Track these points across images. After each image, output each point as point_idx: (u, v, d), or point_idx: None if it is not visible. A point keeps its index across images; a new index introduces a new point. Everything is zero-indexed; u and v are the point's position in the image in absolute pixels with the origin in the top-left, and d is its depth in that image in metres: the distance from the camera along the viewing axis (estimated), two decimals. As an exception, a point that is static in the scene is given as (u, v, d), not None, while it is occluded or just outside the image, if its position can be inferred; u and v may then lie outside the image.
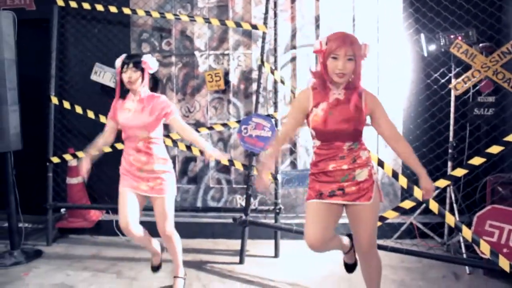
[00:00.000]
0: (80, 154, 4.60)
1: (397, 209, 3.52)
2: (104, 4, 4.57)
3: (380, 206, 2.66)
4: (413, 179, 3.70)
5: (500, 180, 3.57)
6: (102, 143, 3.26)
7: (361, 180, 2.55)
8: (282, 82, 4.14)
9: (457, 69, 4.03)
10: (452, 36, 4.00)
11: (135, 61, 3.03)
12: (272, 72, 4.17)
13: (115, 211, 4.76)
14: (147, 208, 3.33)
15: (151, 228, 3.27)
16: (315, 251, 2.63)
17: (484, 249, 3.13)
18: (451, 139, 4.15)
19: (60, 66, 4.90)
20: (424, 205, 3.90)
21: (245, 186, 4.76)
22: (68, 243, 4.63)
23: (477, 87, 4.06)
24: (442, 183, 3.40)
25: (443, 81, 4.05)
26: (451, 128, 4.15)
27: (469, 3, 3.90)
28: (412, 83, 4.50)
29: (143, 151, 3.09)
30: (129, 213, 3.10)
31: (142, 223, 3.23)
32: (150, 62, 3.09)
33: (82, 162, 3.15)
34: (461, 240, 3.90)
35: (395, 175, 3.55)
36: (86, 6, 4.59)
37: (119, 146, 4.29)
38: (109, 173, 4.44)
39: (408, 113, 4.51)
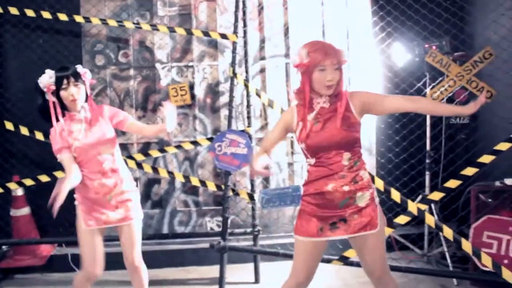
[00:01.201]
0: (27, 181, 4.05)
1: (392, 225, 3.37)
2: (52, 12, 4.07)
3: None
4: (404, 193, 3.62)
5: (487, 189, 3.55)
6: (77, 177, 2.66)
7: (362, 206, 2.33)
8: (258, 94, 3.88)
9: (436, 80, 4.00)
10: (426, 46, 4.00)
11: (75, 74, 2.65)
12: (246, 84, 3.91)
13: (70, 243, 4.28)
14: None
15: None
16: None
17: (486, 261, 3.04)
18: (428, 148, 4.10)
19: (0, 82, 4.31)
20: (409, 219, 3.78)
21: (215, 207, 4.49)
22: (15, 286, 4.06)
23: (450, 96, 4.06)
24: (436, 195, 3.29)
25: (412, 91, 3.97)
26: (428, 137, 4.10)
27: (441, 16, 3.88)
28: (384, 93, 4.41)
29: (110, 172, 2.71)
30: (98, 260, 2.76)
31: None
32: (88, 73, 2.75)
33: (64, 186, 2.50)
34: (446, 251, 3.85)
35: (386, 189, 3.40)
36: (30, 13, 4.05)
37: (59, 174, 3.86)
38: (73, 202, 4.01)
39: (379, 123, 4.41)
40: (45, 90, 2.67)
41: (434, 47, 3.92)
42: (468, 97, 3.99)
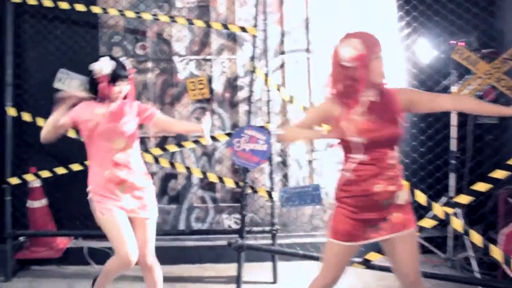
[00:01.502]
0: (43, 173, 4.02)
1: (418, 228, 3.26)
2: (69, 2, 4.00)
3: None
4: (430, 195, 3.50)
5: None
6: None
7: (402, 204, 2.25)
8: (278, 90, 3.78)
9: (463, 78, 3.84)
10: (453, 42, 3.85)
11: (128, 75, 2.72)
12: (266, 79, 3.80)
13: (86, 237, 4.26)
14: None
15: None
16: None
17: (517, 270, 2.93)
18: (454, 149, 3.95)
19: (18, 73, 4.26)
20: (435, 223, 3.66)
21: (233, 204, 4.41)
22: (32, 277, 4.04)
23: (478, 95, 3.91)
24: (464, 199, 3.15)
25: (439, 89, 3.83)
26: (454, 137, 3.95)
27: (469, 11, 3.71)
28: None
29: (122, 165, 2.69)
30: (130, 240, 2.66)
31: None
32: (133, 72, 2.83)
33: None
34: (473, 257, 3.72)
35: (411, 191, 3.28)
36: (48, 3, 4.00)
37: (76, 167, 3.91)
38: (78, 193, 3.91)
39: (408, 127, 4.25)
40: (99, 76, 2.65)
41: (461, 43, 3.78)
42: (497, 96, 3.83)
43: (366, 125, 2.20)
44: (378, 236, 2.25)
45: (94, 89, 2.70)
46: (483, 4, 3.76)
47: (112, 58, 2.72)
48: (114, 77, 2.65)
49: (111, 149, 2.68)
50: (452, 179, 3.93)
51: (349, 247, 2.26)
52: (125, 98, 2.77)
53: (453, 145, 3.93)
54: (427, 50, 3.98)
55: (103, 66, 2.64)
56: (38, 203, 4.20)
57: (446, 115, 3.84)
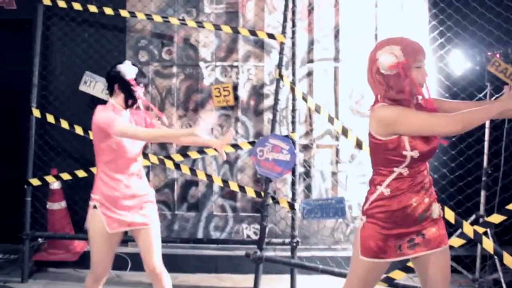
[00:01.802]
0: (64, 176, 4.00)
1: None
2: (98, 5, 4.02)
3: None
4: (458, 212, 3.33)
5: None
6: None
7: (436, 218, 2.12)
8: (304, 99, 3.68)
9: (498, 91, 3.67)
10: (489, 54, 3.70)
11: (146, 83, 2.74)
12: (292, 88, 3.71)
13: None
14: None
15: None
16: None
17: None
18: (485, 165, 3.79)
19: (44, 74, 4.30)
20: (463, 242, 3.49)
21: (253, 214, 4.31)
22: (48, 279, 4.01)
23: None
24: (496, 218, 2.99)
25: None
26: (485, 153, 3.79)
27: (507, 22, 3.55)
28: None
29: (136, 174, 2.67)
30: (109, 264, 2.72)
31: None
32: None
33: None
34: (502, 278, 3.53)
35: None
36: (77, 6, 4.02)
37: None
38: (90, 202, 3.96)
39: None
40: (127, 78, 2.60)
41: (497, 55, 3.62)
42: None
43: (418, 137, 2.04)
44: (414, 253, 2.09)
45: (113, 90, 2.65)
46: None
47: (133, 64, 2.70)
48: (138, 82, 2.62)
49: (130, 159, 2.64)
50: (483, 196, 3.77)
51: (379, 264, 2.11)
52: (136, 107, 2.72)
53: (485, 161, 3.77)
54: (460, 61, 3.84)
55: (130, 70, 2.61)
56: (58, 205, 4.19)
57: (479, 129, 3.67)
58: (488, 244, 2.96)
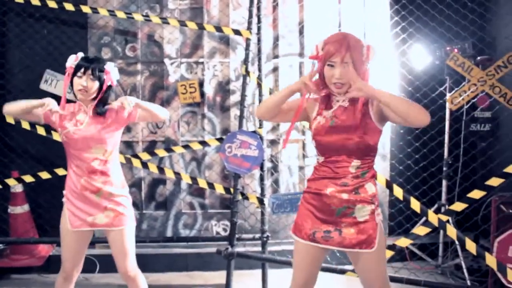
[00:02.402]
0: (27, 178, 3.86)
1: (410, 235, 3.21)
2: (58, 1, 3.89)
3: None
4: (423, 202, 3.45)
5: (508, 200, 3.39)
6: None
7: (360, 221, 2.13)
8: (271, 94, 3.71)
9: (458, 84, 3.82)
10: (448, 48, 3.85)
11: (96, 68, 2.53)
12: (259, 83, 3.73)
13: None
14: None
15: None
16: None
17: (512, 277, 2.89)
18: (445, 156, 3.95)
19: (1, 73, 4.14)
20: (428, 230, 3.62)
21: (222, 210, 4.31)
22: (11, 286, 3.88)
23: (471, 102, 3.90)
24: (459, 206, 3.12)
25: (433, 104, 3.80)
26: (446, 144, 3.95)
27: (465, 18, 3.70)
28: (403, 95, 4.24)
29: (99, 172, 2.56)
30: (77, 264, 2.67)
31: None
32: (113, 74, 2.63)
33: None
34: (463, 264, 3.70)
35: (406, 198, 3.23)
36: (35, 1, 3.86)
37: (60, 172, 3.75)
38: (60, 199, 3.77)
39: (398, 128, 4.22)
40: (65, 70, 2.57)
41: (456, 50, 3.77)
42: (491, 103, 3.83)
43: (321, 128, 2.15)
44: (327, 245, 2.17)
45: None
46: (479, 11, 3.76)
47: (96, 58, 2.61)
48: (75, 69, 2.53)
49: (87, 156, 2.55)
50: (444, 186, 3.92)
51: (305, 245, 2.20)
52: (103, 101, 2.62)
53: (446, 152, 3.93)
54: (422, 56, 3.97)
55: (70, 58, 2.56)
56: (20, 209, 4.03)
57: (440, 122, 3.81)
58: (452, 231, 3.08)
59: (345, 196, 2.12)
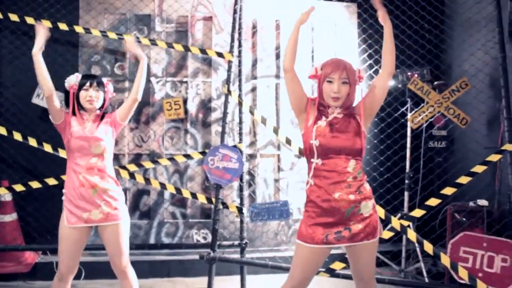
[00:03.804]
0: (17, 187, 4.02)
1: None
2: (52, 20, 4.14)
3: None
4: (387, 209, 3.83)
5: (462, 209, 3.83)
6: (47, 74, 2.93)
7: (366, 216, 2.45)
8: (251, 112, 4.05)
9: (417, 105, 4.26)
10: (409, 74, 4.30)
11: (99, 81, 2.90)
12: (240, 102, 4.06)
13: (55, 251, 4.24)
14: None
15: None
16: None
17: (462, 274, 3.26)
18: (407, 170, 4.35)
19: (-6, 87, 4.33)
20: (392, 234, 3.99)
21: (203, 220, 4.57)
22: (-3, 292, 4.00)
23: (429, 121, 4.34)
24: (418, 212, 3.50)
25: (396, 115, 4.23)
26: (407, 159, 4.35)
27: (423, 47, 4.16)
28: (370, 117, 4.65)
29: (96, 169, 2.81)
30: (72, 259, 2.83)
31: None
32: (110, 85, 3.03)
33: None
34: (423, 267, 4.08)
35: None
36: (30, 20, 4.11)
37: (51, 181, 3.92)
38: (48, 207, 4.02)
39: (369, 149, 4.60)
40: (68, 89, 2.87)
41: (416, 75, 4.22)
42: (446, 122, 4.29)
43: (323, 130, 2.44)
44: (340, 244, 2.43)
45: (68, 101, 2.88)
46: (435, 42, 4.24)
47: (93, 75, 2.96)
48: (80, 85, 2.85)
49: (88, 153, 2.81)
50: (406, 196, 4.32)
51: (314, 249, 2.43)
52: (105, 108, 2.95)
53: (407, 166, 4.34)
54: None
55: (71, 78, 2.87)
56: (9, 217, 4.17)
57: (402, 138, 4.24)
58: (412, 234, 3.45)
59: (351, 197, 2.39)
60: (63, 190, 2.85)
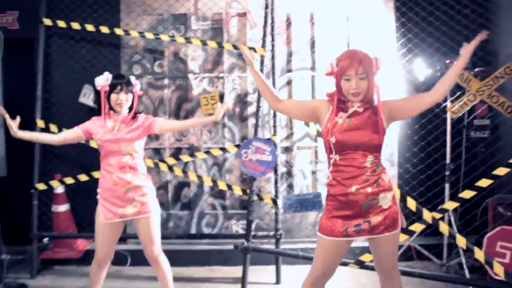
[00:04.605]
0: (67, 180, 4.37)
1: (407, 232, 3.51)
2: (95, 25, 4.42)
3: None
4: (420, 202, 3.75)
5: (504, 202, 3.65)
6: (50, 139, 3.14)
7: (385, 208, 2.45)
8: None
9: (457, 94, 4.09)
10: (448, 61, 4.12)
11: (128, 83, 3.02)
12: (272, 95, 4.11)
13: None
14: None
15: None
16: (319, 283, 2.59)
17: (498, 270, 3.15)
18: (448, 161, 4.20)
19: (46, 88, 4.67)
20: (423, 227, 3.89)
21: (241, 211, 4.70)
22: (54, 275, 4.36)
23: (473, 111, 4.17)
24: (451, 205, 3.41)
25: (436, 109, 4.06)
26: (448, 151, 4.20)
27: (467, 28, 3.99)
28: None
29: (128, 167, 2.99)
30: (107, 248, 3.07)
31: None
32: (138, 85, 3.13)
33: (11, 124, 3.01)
34: (464, 261, 3.95)
35: (403, 197, 3.54)
36: (76, 26, 4.42)
37: (96, 175, 4.17)
38: (96, 199, 4.24)
39: (404, 139, 4.50)
40: (98, 89, 3.00)
41: (455, 63, 4.03)
42: (488, 110, 4.09)
43: (340, 127, 2.43)
44: (359, 236, 2.46)
45: (98, 101, 3.04)
46: (475, 27, 4.04)
47: (121, 75, 3.08)
48: (111, 87, 2.97)
49: (119, 152, 2.98)
50: (447, 188, 4.18)
51: (335, 242, 2.47)
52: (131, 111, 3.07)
53: (448, 157, 4.19)
54: (423, 69, 4.26)
55: (100, 78, 3.00)
56: (62, 208, 4.53)
57: (438, 129, 4.11)
58: (444, 227, 3.37)
59: (369, 190, 2.41)
60: (98, 190, 3.06)
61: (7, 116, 3.00)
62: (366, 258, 3.48)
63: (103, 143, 2.98)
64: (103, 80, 3.00)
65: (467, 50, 2.45)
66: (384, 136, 2.49)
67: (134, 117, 3.08)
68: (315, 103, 2.60)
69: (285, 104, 2.66)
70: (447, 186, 4.20)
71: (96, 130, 3.02)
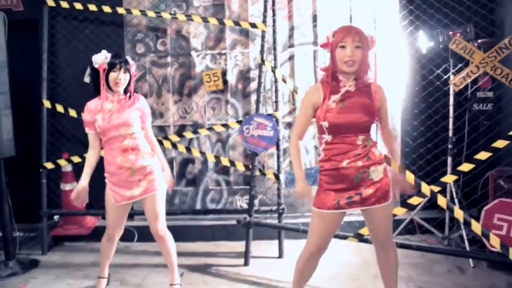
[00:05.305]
0: (75, 159, 4.47)
1: (405, 205, 3.52)
2: (97, 4, 4.44)
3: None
4: (419, 175, 3.75)
5: (504, 174, 3.62)
6: (95, 158, 3.16)
7: (376, 180, 2.51)
8: (284, 80, 4.09)
9: (459, 65, 4.04)
10: (450, 33, 4.04)
11: (126, 62, 3.05)
12: (273, 71, 4.12)
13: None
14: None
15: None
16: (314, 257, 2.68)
17: (494, 242, 3.15)
18: (450, 134, 4.18)
19: (52, 68, 4.74)
20: (424, 200, 3.89)
21: (245, 187, 4.75)
22: (65, 251, 4.49)
23: (475, 83, 4.11)
24: (449, 178, 3.41)
25: (438, 81, 4.04)
26: (451, 124, 4.17)
27: (462, 4, 3.91)
28: (409, 83, 4.48)
29: (130, 149, 3.04)
30: (119, 228, 3.23)
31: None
32: (134, 66, 3.18)
33: (81, 191, 3.12)
34: (464, 234, 3.96)
35: (402, 171, 3.54)
36: (78, 6, 4.45)
37: (103, 153, 4.16)
38: (104, 177, 4.33)
39: (406, 112, 4.49)
40: (96, 67, 3.02)
41: (458, 34, 3.98)
42: (491, 82, 4.04)
43: (332, 111, 2.45)
44: (351, 208, 2.52)
45: (95, 79, 3.08)
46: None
47: (118, 54, 3.08)
48: (110, 65, 2.98)
49: (120, 136, 3.02)
50: (449, 162, 4.15)
51: (328, 214, 2.53)
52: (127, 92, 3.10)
53: (450, 130, 4.14)
54: (425, 41, 4.21)
55: (99, 56, 3.02)
56: (70, 186, 4.62)
57: (439, 102, 4.08)
58: (442, 200, 3.37)
59: (359, 163, 2.47)
60: (105, 174, 3.14)
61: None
62: (365, 231, 3.51)
63: (103, 131, 3.03)
64: (102, 58, 3.02)
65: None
66: (377, 115, 2.53)
67: (130, 97, 3.11)
68: (309, 100, 2.58)
69: (303, 132, 2.67)
70: (449, 159, 4.19)
71: (95, 120, 3.05)
